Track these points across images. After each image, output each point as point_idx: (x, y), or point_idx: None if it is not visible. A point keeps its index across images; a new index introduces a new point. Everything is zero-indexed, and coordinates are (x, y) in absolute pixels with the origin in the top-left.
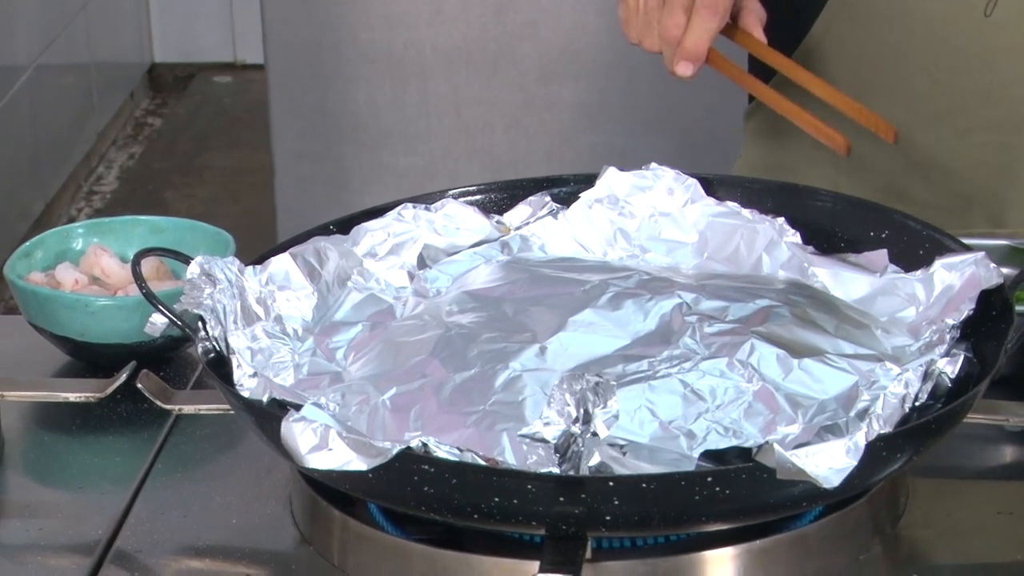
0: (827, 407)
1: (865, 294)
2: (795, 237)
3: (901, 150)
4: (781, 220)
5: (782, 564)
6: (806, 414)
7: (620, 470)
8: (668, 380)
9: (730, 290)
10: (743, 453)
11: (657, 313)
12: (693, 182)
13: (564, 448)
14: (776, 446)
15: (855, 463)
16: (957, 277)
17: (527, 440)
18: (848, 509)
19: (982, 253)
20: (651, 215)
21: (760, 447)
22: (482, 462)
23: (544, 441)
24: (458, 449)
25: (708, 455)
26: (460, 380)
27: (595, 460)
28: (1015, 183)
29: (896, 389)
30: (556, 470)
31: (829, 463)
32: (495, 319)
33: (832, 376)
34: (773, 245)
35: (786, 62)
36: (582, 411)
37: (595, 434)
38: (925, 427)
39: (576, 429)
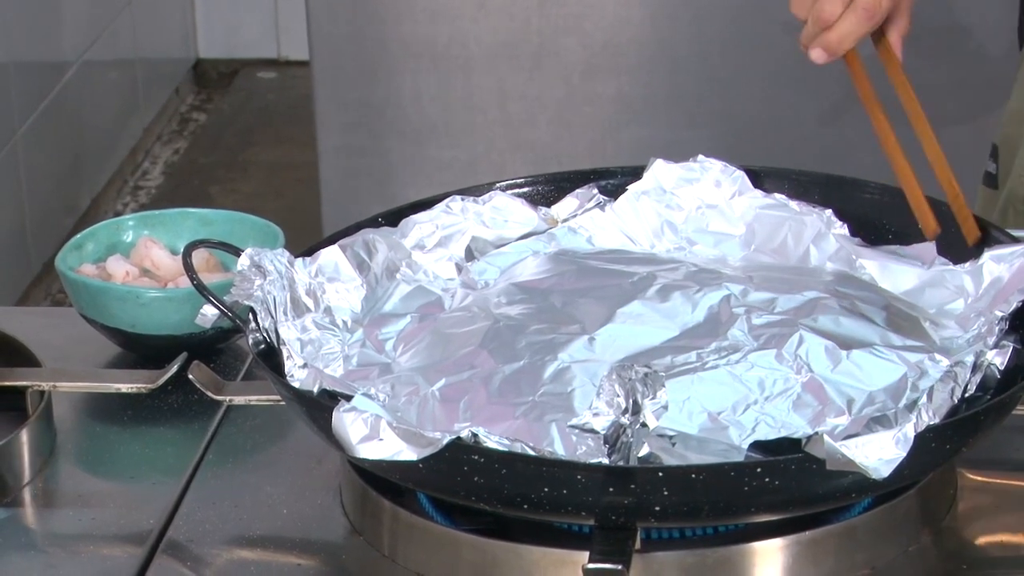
0: (876, 399)
1: (913, 286)
2: (843, 229)
3: None
4: (829, 212)
5: (831, 555)
6: (855, 405)
7: (669, 460)
8: (717, 371)
9: (778, 282)
10: (792, 444)
11: (705, 305)
12: (740, 174)
13: (614, 439)
14: (826, 437)
15: (904, 454)
16: (1006, 269)
17: (576, 431)
18: (897, 500)
19: None
20: (698, 207)
21: (809, 438)
22: (532, 452)
23: (594, 432)
24: (507, 439)
25: (757, 446)
26: (509, 371)
27: (644, 451)
28: None
29: (945, 380)
30: (606, 461)
31: (879, 454)
32: (543, 310)
33: (881, 367)
34: (821, 237)
35: (909, 95)
36: (631, 402)
37: (644, 425)
38: (974, 418)
39: (626, 420)
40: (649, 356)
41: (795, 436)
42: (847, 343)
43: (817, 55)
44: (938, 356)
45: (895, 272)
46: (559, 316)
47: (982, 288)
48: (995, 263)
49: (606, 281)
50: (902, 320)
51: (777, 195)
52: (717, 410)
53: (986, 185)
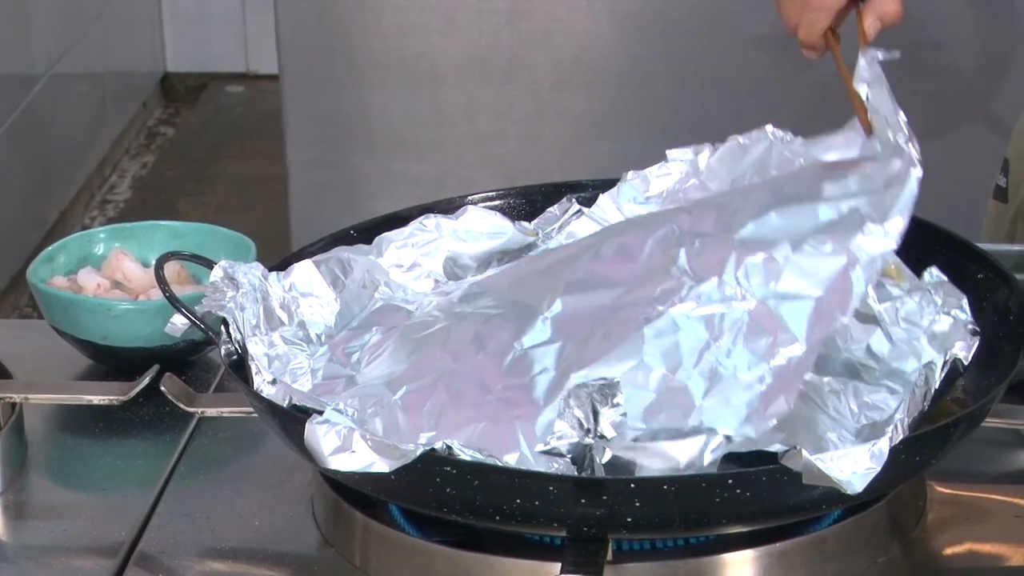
0: (823, 309)
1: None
2: (787, 135)
3: None
4: (769, 126)
5: (801, 566)
6: (803, 327)
7: (632, 457)
8: (663, 320)
9: (725, 196)
10: (767, 456)
11: (651, 245)
12: (705, 148)
13: (581, 458)
14: (804, 452)
15: (879, 468)
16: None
17: (544, 456)
18: (867, 512)
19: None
20: (676, 189)
21: (786, 452)
22: (502, 463)
23: (561, 455)
24: (481, 454)
25: (730, 458)
26: (468, 369)
27: (607, 457)
28: None
29: (919, 386)
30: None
31: (853, 467)
32: (499, 302)
33: (819, 266)
34: (785, 161)
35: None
36: (592, 416)
37: (603, 436)
38: (944, 431)
39: (589, 440)
40: (599, 318)
41: (770, 450)
42: (785, 238)
43: (805, 53)
44: (869, 226)
45: (840, 143)
46: (512, 302)
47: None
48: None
49: (556, 256)
50: (840, 179)
51: (729, 138)
52: (671, 368)
53: (996, 199)
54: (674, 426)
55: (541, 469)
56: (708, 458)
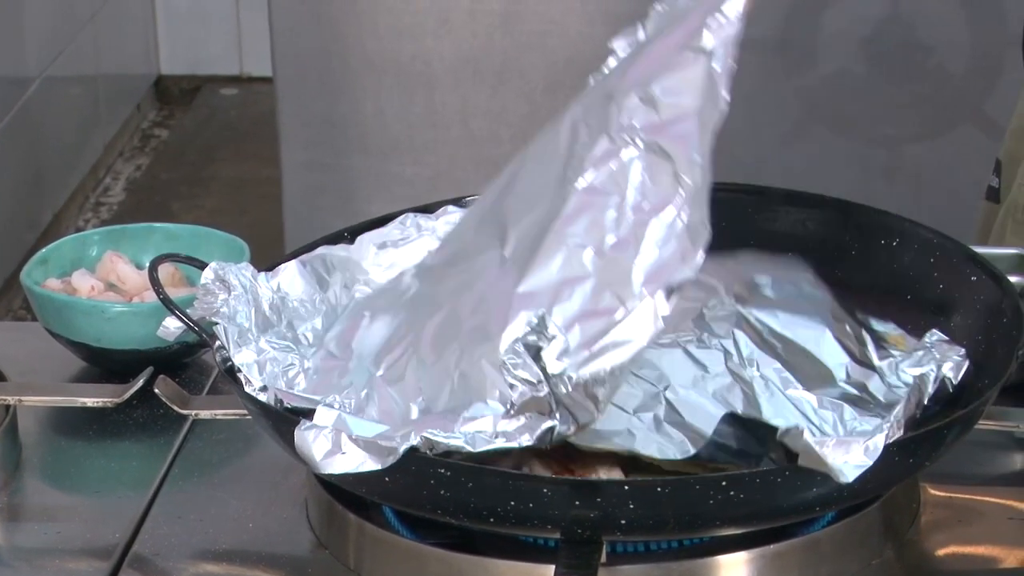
0: (703, 114)
1: None
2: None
3: None
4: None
5: (795, 569)
6: (696, 139)
7: (589, 372)
8: (573, 200)
9: (609, 71)
10: (763, 426)
11: (558, 142)
12: (637, 26)
13: (547, 408)
14: (805, 434)
15: (871, 462)
16: None
17: (514, 417)
18: (860, 514)
19: None
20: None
21: (787, 431)
22: (489, 437)
23: (525, 413)
24: (462, 437)
25: (728, 419)
26: (435, 327)
27: (570, 387)
28: None
29: (913, 393)
30: (555, 422)
31: (846, 457)
32: (462, 252)
33: (685, 78)
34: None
35: None
36: (535, 365)
37: (554, 375)
38: (937, 433)
39: (545, 390)
40: (536, 239)
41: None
42: (648, 77)
43: None
44: (709, 21)
45: None
46: (471, 247)
47: None
48: None
49: (496, 190)
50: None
51: (652, 11)
52: (597, 242)
53: (988, 199)
54: (620, 301)
55: (520, 418)
56: (664, 312)
